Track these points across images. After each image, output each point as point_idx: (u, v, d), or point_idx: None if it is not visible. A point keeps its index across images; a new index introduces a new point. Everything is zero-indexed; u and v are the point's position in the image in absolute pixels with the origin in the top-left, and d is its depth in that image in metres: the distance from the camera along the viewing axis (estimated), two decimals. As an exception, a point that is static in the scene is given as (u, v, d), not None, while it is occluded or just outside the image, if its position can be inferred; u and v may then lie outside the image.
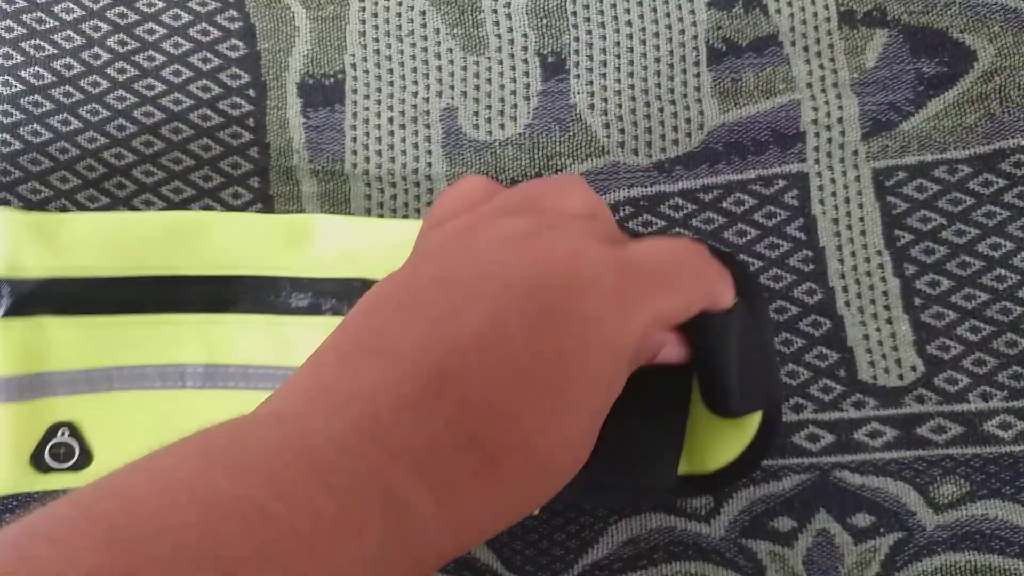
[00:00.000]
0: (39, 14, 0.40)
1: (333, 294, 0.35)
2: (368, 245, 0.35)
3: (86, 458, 0.34)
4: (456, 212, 0.26)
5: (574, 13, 0.39)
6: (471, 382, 0.21)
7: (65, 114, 0.39)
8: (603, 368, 0.22)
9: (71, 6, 0.40)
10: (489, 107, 0.39)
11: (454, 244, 0.24)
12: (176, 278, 0.35)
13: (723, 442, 0.31)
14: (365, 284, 0.34)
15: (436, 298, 0.22)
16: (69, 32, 0.39)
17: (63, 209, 0.38)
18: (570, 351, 0.22)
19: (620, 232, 0.28)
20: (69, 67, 0.39)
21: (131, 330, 0.34)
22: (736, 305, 0.28)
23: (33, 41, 0.39)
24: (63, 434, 0.34)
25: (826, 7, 0.39)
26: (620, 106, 0.38)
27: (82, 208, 0.38)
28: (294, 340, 0.35)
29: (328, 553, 0.18)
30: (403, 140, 0.38)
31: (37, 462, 0.34)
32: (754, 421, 0.31)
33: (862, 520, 0.34)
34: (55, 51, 0.39)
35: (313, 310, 0.35)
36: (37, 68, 0.39)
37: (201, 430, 0.20)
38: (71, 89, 0.39)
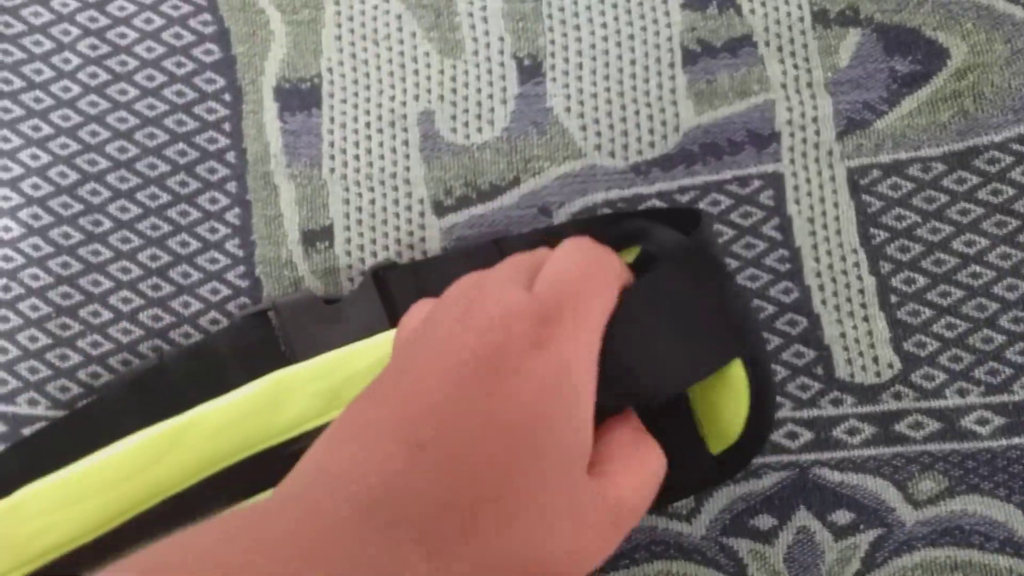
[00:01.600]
0: (6, 18, 0.39)
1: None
2: (343, 379, 0.33)
3: None
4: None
5: (549, 16, 0.39)
6: (444, 445, 0.22)
7: (36, 120, 0.38)
8: (562, 407, 0.24)
9: (40, 10, 0.39)
10: (466, 110, 0.38)
11: (415, 337, 0.26)
12: (166, 501, 0.31)
13: (728, 407, 0.30)
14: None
15: (400, 385, 0.24)
16: (39, 36, 0.39)
17: (35, 217, 0.37)
18: (524, 402, 0.23)
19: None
20: (39, 72, 0.39)
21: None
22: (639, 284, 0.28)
23: (1, 46, 0.39)
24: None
25: (799, 7, 0.39)
26: (596, 108, 0.38)
27: (56, 216, 0.37)
28: None
29: None
30: (381, 144, 0.38)
31: None
32: (738, 376, 0.29)
33: (842, 517, 0.34)
34: (24, 55, 0.39)
35: None
36: (6, 73, 0.38)
37: (227, 513, 0.21)
38: (41, 95, 0.38)
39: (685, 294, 0.28)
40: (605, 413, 0.27)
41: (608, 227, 0.32)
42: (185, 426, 0.32)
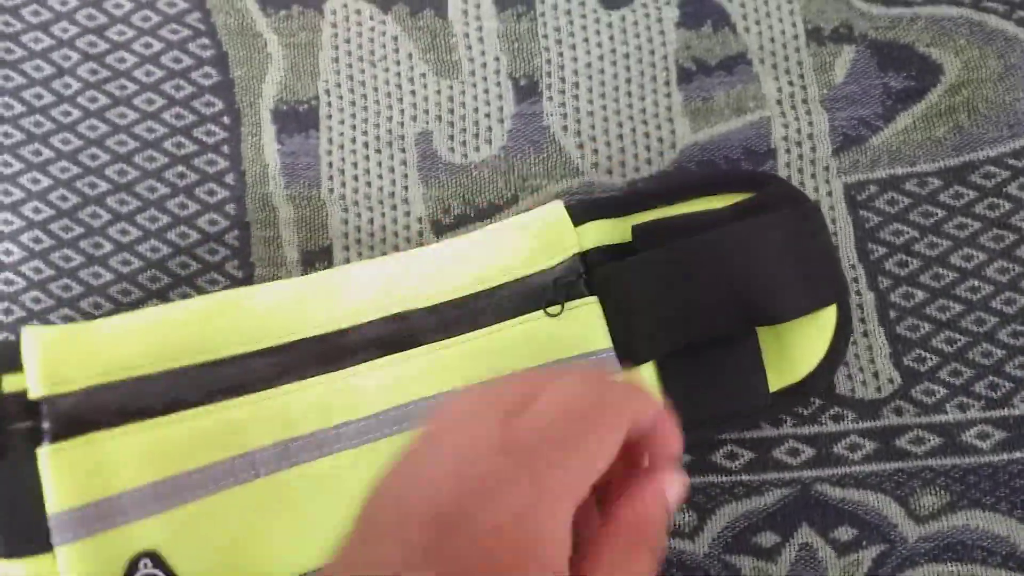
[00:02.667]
0: (7, 43, 0.39)
1: (380, 335, 0.33)
2: (396, 277, 0.34)
3: None
4: None
5: (545, 36, 0.40)
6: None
7: (36, 144, 0.38)
8: (527, 556, 0.22)
9: (40, 36, 0.39)
10: (464, 130, 0.39)
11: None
12: (220, 360, 0.32)
13: (807, 346, 0.34)
14: (402, 316, 0.33)
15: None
16: (39, 62, 0.39)
17: (36, 241, 0.37)
18: (492, 556, 0.22)
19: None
20: (39, 96, 0.39)
21: (188, 427, 0.32)
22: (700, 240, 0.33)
23: (2, 71, 0.39)
24: (146, 566, 0.31)
25: (793, 24, 0.39)
26: (593, 127, 0.39)
27: (56, 239, 0.37)
28: (360, 387, 0.33)
29: None
30: (379, 164, 0.38)
31: None
32: (829, 317, 0.34)
33: (844, 533, 0.34)
34: (25, 81, 0.39)
35: (368, 355, 0.33)
36: (6, 98, 0.39)
37: None
38: (41, 119, 0.39)
39: (804, 236, 0.34)
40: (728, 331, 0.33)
41: (725, 175, 0.37)
42: (250, 293, 0.34)
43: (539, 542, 0.22)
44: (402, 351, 0.33)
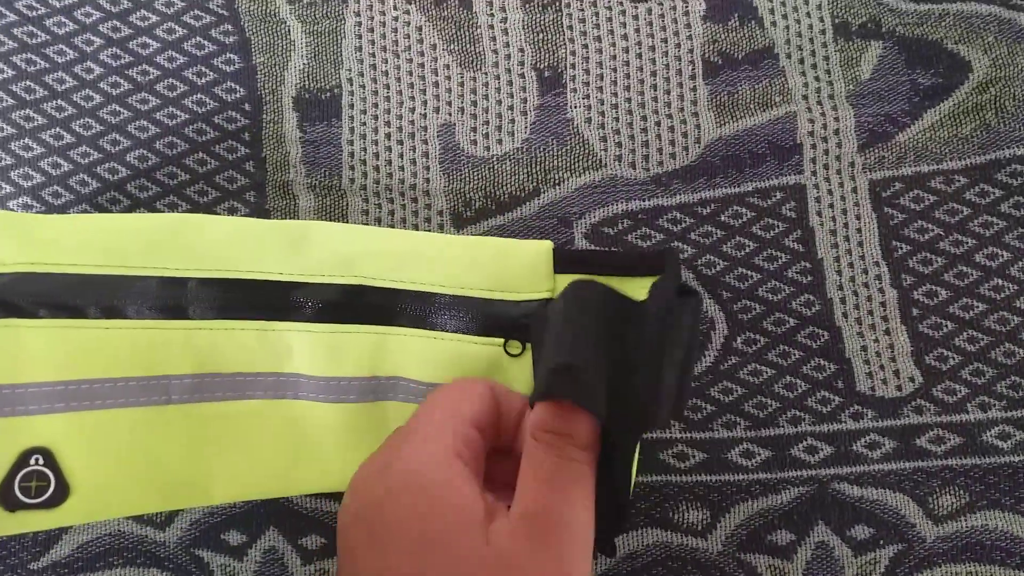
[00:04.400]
0: (30, 28, 0.39)
1: (329, 300, 0.33)
2: (363, 252, 0.33)
3: (62, 492, 0.30)
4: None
5: (570, 27, 0.39)
6: None
7: (57, 128, 0.38)
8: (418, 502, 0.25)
9: (63, 20, 0.39)
10: (487, 122, 0.38)
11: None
12: (163, 279, 0.32)
13: None
14: (358, 290, 0.33)
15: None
16: (61, 46, 0.39)
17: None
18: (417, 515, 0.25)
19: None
20: (61, 81, 0.39)
21: (111, 337, 0.31)
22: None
23: (24, 55, 0.39)
24: (36, 462, 0.30)
25: (821, 20, 0.39)
26: (617, 120, 0.38)
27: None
28: (289, 346, 0.33)
29: None
30: (400, 156, 0.38)
31: (5, 498, 0.30)
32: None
33: (861, 532, 0.34)
34: (47, 65, 0.39)
35: (309, 317, 0.33)
36: (28, 82, 0.39)
37: None
38: (63, 103, 0.39)
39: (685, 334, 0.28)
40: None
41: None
42: (212, 220, 0.33)
43: (428, 488, 0.25)
44: (350, 323, 0.33)
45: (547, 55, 0.39)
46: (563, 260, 0.33)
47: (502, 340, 0.32)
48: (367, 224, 0.37)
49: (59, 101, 0.39)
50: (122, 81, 0.39)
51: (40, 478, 0.30)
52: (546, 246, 0.33)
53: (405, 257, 0.33)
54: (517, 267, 0.33)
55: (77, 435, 0.31)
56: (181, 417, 0.32)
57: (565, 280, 0.32)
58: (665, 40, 0.39)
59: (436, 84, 0.39)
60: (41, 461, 0.30)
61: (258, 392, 0.33)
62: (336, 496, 0.36)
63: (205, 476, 0.32)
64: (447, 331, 0.32)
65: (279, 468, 0.33)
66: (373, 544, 0.25)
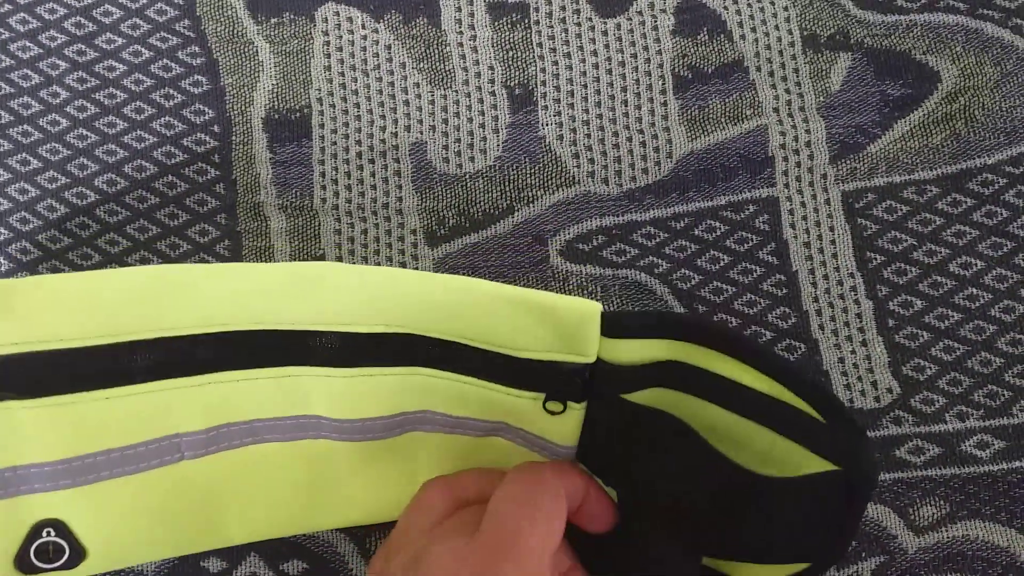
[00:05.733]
0: (-4, 54, 0.39)
1: (349, 345, 0.30)
2: (377, 296, 0.30)
3: (78, 555, 0.30)
4: (411, 537, 0.28)
5: (539, 45, 0.39)
6: None
7: (24, 154, 0.38)
8: None
9: (27, 44, 0.39)
10: (458, 140, 0.38)
11: None
12: (163, 340, 0.29)
13: None
14: (379, 338, 0.30)
15: None
16: (26, 71, 0.39)
17: (24, 252, 0.37)
18: None
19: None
20: (27, 106, 0.38)
21: (115, 406, 0.29)
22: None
23: (-10, 81, 0.38)
24: (48, 534, 0.29)
25: (790, 32, 0.39)
26: (589, 136, 0.38)
27: (44, 251, 0.37)
28: (307, 391, 0.31)
29: None
30: (372, 174, 0.38)
31: (22, 564, 0.29)
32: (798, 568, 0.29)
33: (844, 545, 0.34)
34: (12, 90, 0.38)
35: (328, 361, 0.30)
36: (-6, 109, 0.38)
37: None
38: (30, 128, 0.38)
39: (838, 504, 0.27)
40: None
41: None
42: (209, 274, 0.30)
43: None
44: (372, 367, 0.31)
45: (517, 72, 0.39)
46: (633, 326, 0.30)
47: (538, 395, 0.31)
48: (340, 244, 0.37)
49: (25, 126, 0.38)
50: (89, 105, 0.38)
51: (55, 546, 0.30)
52: (595, 310, 0.30)
53: (432, 307, 0.30)
54: (563, 329, 0.30)
55: (86, 507, 0.30)
56: (195, 471, 0.31)
57: (616, 346, 0.30)
58: (635, 55, 0.39)
59: (407, 102, 0.39)
60: (53, 533, 0.30)
61: (276, 435, 0.31)
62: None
63: (223, 520, 0.32)
64: (477, 378, 0.31)
65: (300, 506, 0.32)
66: None
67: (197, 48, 0.39)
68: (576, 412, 0.31)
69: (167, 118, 0.38)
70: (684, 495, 0.29)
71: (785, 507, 0.28)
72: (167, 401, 0.30)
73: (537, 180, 0.38)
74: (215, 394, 0.30)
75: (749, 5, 0.39)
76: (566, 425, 0.31)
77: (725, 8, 0.39)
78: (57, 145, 0.38)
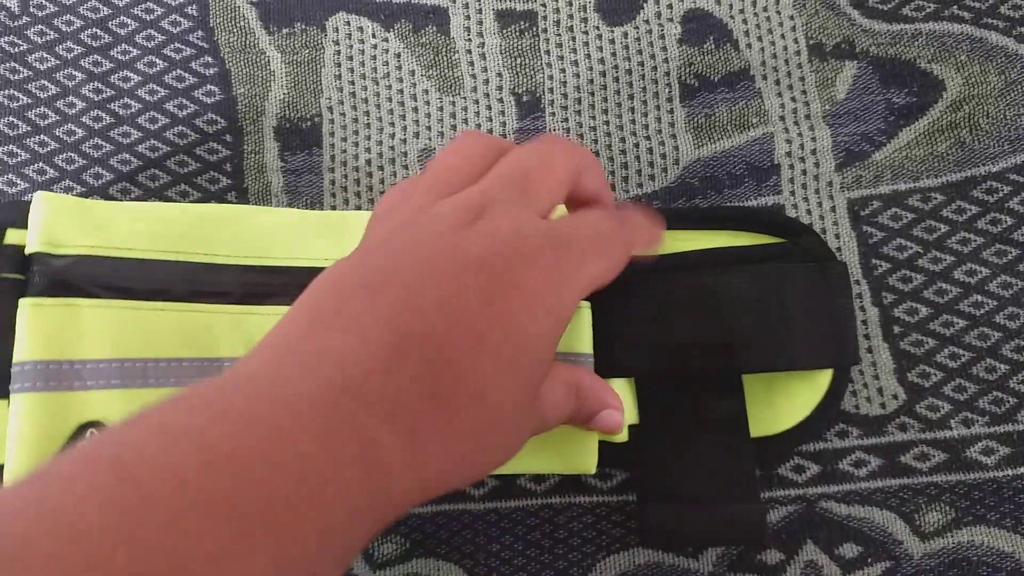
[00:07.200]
0: (13, 64, 0.39)
1: None
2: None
3: None
4: (451, 182, 0.28)
5: (547, 52, 0.40)
6: (432, 343, 0.23)
7: (41, 163, 0.38)
8: (545, 331, 0.25)
9: (45, 55, 0.40)
10: (466, 148, 0.39)
11: (402, 236, 0.27)
12: (214, 265, 0.33)
13: (794, 401, 0.34)
14: None
15: (395, 279, 0.25)
16: (44, 82, 0.39)
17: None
18: (517, 316, 0.25)
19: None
20: (44, 116, 0.39)
21: (167, 318, 0.32)
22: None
23: (6, 92, 0.39)
24: (91, 435, 0.31)
25: (796, 41, 0.39)
26: (596, 143, 0.39)
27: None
28: None
29: (315, 489, 0.20)
30: (382, 182, 0.38)
31: None
32: (824, 379, 0.34)
33: (849, 551, 0.34)
34: (29, 100, 0.39)
35: None
36: (11, 119, 0.39)
37: (185, 390, 0.21)
38: (46, 138, 0.39)
39: (821, 295, 0.34)
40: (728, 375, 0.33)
41: (760, 215, 0.36)
42: (258, 211, 0.35)
43: (563, 316, 0.26)
44: None
45: (525, 79, 0.39)
46: None
47: None
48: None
49: (42, 136, 0.39)
50: (104, 115, 0.39)
51: None
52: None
53: None
54: None
55: (131, 410, 0.31)
56: None
57: None
58: (642, 63, 0.39)
59: (415, 110, 0.39)
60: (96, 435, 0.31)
61: None
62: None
63: None
64: None
65: None
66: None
67: (210, 58, 0.40)
68: (581, 312, 0.33)
69: (180, 127, 0.39)
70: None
71: (767, 286, 0.34)
72: (211, 324, 0.33)
73: (544, 188, 0.38)
74: (254, 325, 0.33)
75: (755, 14, 0.40)
76: (570, 327, 0.33)
77: (731, 17, 0.40)
78: (73, 155, 0.39)
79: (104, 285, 0.32)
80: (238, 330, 0.33)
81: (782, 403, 0.34)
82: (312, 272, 0.33)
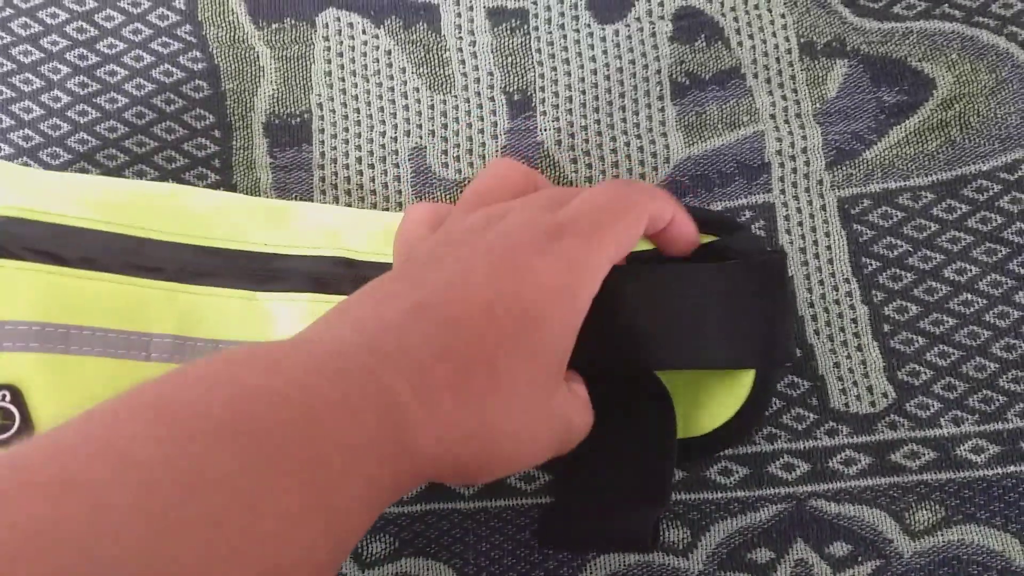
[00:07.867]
0: (-2, 58, 0.39)
1: (313, 272, 0.34)
2: (347, 227, 0.35)
3: (26, 431, 0.30)
4: (484, 199, 0.31)
5: (538, 51, 0.40)
6: (441, 310, 0.25)
7: (25, 158, 0.38)
8: (556, 313, 0.26)
9: (29, 48, 0.39)
10: (457, 145, 0.39)
11: (429, 243, 0.29)
12: (149, 240, 0.33)
13: (716, 401, 0.33)
14: (345, 262, 0.34)
15: (417, 267, 0.28)
16: (28, 75, 0.39)
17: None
18: (522, 294, 0.26)
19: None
20: (28, 110, 0.38)
21: (97, 288, 0.32)
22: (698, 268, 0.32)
23: (-8, 85, 0.39)
24: (3, 398, 0.30)
25: (787, 39, 0.39)
26: (587, 141, 0.38)
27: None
28: (271, 316, 0.33)
29: (336, 431, 0.21)
30: (372, 180, 0.38)
31: None
32: (747, 379, 0.33)
33: (839, 549, 0.34)
34: (14, 94, 0.39)
35: (294, 286, 0.33)
36: (-4, 113, 0.38)
37: (241, 346, 0.23)
38: (31, 132, 0.38)
39: (748, 293, 0.32)
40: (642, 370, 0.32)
41: (693, 215, 0.35)
42: (199, 192, 0.35)
43: (576, 302, 0.27)
44: (336, 295, 0.33)
45: (516, 78, 0.39)
46: None
47: None
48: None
49: (26, 130, 0.38)
50: (90, 109, 0.39)
51: (5, 415, 0.30)
52: None
53: (387, 236, 0.34)
54: None
55: (48, 376, 0.31)
56: (156, 374, 0.32)
57: None
58: (632, 61, 0.39)
59: (406, 107, 0.39)
60: (8, 398, 0.30)
61: None
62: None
63: None
64: None
65: None
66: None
67: (198, 53, 0.40)
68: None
69: (168, 123, 0.39)
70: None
71: (688, 287, 0.32)
72: (144, 298, 0.32)
73: (535, 185, 0.38)
74: (186, 303, 0.33)
75: (747, 12, 0.40)
76: None
77: (723, 15, 0.40)
78: (58, 149, 0.38)
79: (32, 248, 0.31)
80: (171, 307, 0.33)
81: (706, 404, 0.33)
82: (250, 256, 0.34)
